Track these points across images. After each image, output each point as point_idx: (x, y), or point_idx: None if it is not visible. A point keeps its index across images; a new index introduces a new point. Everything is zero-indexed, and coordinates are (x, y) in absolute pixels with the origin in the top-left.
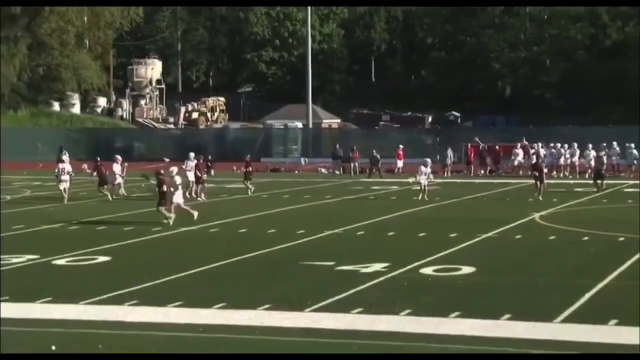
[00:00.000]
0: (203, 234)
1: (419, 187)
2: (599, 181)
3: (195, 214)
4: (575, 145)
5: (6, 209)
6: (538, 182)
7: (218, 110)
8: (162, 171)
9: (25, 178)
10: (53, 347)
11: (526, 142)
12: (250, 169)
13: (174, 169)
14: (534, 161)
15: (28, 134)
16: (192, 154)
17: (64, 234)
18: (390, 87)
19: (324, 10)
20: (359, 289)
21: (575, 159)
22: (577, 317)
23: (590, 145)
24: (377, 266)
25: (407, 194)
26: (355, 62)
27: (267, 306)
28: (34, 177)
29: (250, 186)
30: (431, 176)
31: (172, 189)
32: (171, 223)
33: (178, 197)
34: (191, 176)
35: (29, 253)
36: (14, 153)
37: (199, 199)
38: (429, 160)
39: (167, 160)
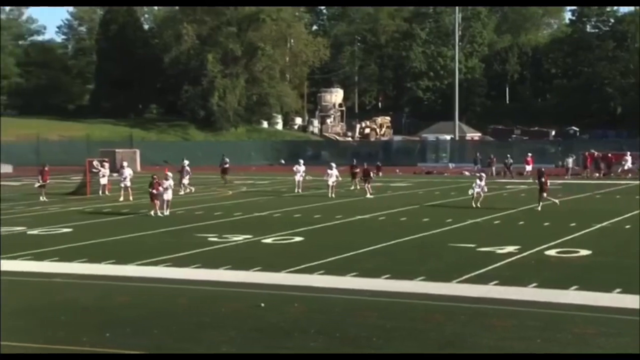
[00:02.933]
0: (374, 221)
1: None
2: None
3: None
4: None
5: (230, 200)
6: (540, 192)
7: (385, 126)
8: (155, 176)
9: (242, 178)
10: (262, 304)
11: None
12: (371, 173)
13: (169, 174)
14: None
15: (244, 145)
16: (301, 161)
17: (270, 219)
18: (520, 107)
19: (469, 49)
20: (495, 265)
21: None
22: None
23: None
24: (510, 248)
25: (533, 191)
26: (492, 88)
27: (421, 278)
28: (248, 177)
29: (367, 187)
30: (485, 188)
31: (161, 189)
32: (154, 214)
33: (168, 196)
34: (298, 177)
35: (245, 233)
36: (234, 160)
37: (369, 195)
38: (484, 175)
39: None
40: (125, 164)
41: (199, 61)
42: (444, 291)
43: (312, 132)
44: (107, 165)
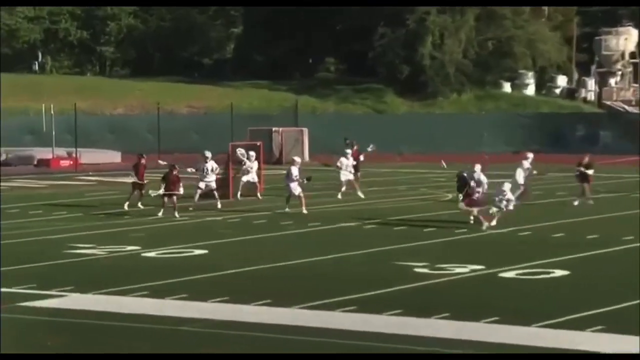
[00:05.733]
0: None
1: None
2: None
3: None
4: None
5: (448, 209)
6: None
7: None
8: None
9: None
10: None
11: None
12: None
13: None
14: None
15: (473, 121)
16: (530, 155)
17: (512, 240)
18: None
19: None
20: None
21: None
22: None
23: None
24: None
25: None
26: None
27: None
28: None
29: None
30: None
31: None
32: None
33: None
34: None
35: (473, 262)
36: (456, 142)
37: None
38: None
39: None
40: (208, 153)
41: None
42: None
43: (585, 100)
44: (254, 153)
